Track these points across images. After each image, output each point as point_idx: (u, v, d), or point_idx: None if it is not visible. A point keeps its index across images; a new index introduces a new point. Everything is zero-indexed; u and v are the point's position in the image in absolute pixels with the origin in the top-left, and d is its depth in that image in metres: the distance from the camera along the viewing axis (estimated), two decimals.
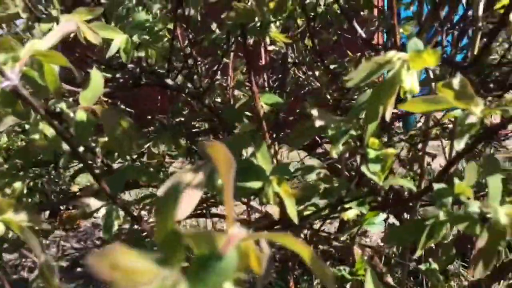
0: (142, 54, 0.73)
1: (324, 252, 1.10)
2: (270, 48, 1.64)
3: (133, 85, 0.88)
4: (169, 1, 0.93)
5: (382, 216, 0.61)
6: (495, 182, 0.42)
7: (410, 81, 0.42)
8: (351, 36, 1.75)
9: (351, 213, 0.53)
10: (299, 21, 1.27)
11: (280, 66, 1.57)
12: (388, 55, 0.41)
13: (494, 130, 0.41)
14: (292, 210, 0.42)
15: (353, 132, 0.48)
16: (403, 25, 0.98)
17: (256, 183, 0.44)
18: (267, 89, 1.24)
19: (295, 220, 0.41)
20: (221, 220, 1.45)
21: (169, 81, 0.86)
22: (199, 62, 1.17)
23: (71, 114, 0.54)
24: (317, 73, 1.56)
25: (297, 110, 1.41)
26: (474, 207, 0.44)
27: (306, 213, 0.59)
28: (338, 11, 1.23)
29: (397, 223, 1.14)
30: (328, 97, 1.37)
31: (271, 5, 0.63)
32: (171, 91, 0.91)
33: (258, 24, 0.64)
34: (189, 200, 0.37)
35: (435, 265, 0.72)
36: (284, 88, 1.44)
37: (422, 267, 0.72)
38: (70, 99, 0.63)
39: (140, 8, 0.99)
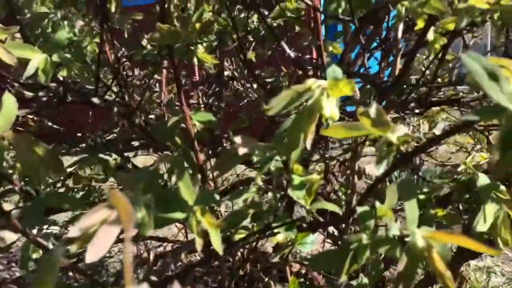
0: (64, 73, 0.69)
1: (263, 269, 1.10)
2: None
3: (57, 103, 0.84)
4: (95, 17, 0.90)
5: (313, 236, 0.62)
6: (411, 206, 0.43)
7: (330, 108, 0.42)
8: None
9: (280, 237, 0.53)
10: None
11: (216, 79, 1.57)
12: (307, 83, 0.42)
13: (410, 156, 0.42)
14: (216, 242, 0.41)
15: (278, 158, 0.48)
16: (332, 43, 1.01)
17: (179, 214, 0.42)
18: (202, 105, 1.22)
19: (220, 252, 0.40)
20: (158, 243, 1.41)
21: (95, 100, 0.82)
22: (130, 78, 1.14)
23: None
24: (254, 85, 1.57)
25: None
26: (395, 229, 0.45)
27: (237, 236, 0.59)
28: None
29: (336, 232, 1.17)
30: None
31: (197, 26, 0.62)
32: (99, 109, 0.87)
33: (185, 45, 0.63)
34: (105, 238, 0.35)
35: (365, 280, 0.74)
36: (220, 101, 1.44)
37: (354, 283, 0.73)
38: None
39: (65, 22, 0.95)
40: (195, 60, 0.65)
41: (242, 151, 0.43)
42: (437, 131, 2.73)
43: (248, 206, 0.50)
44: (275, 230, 0.52)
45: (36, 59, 0.63)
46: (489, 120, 0.32)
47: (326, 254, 0.46)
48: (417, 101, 0.74)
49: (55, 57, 0.65)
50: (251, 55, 1.67)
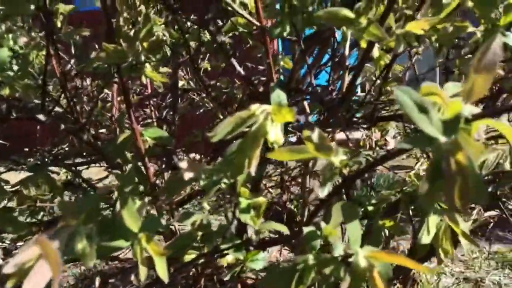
0: (6, 91, 0.67)
1: (219, 282, 1.10)
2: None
3: (0, 120, 0.81)
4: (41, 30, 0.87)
5: (263, 254, 0.62)
6: (354, 228, 0.44)
7: (274, 133, 0.43)
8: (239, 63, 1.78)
9: (229, 258, 0.53)
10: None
11: (170, 90, 1.55)
12: (251, 108, 0.42)
13: (352, 179, 0.44)
14: (161, 270, 0.40)
15: (225, 181, 0.48)
16: (284, 58, 1.02)
17: (122, 242, 0.42)
18: (154, 119, 1.21)
19: (166, 280, 0.40)
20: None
21: (41, 116, 0.80)
22: (81, 90, 1.11)
23: None
24: (209, 96, 1.57)
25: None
26: (339, 249, 0.46)
27: (187, 257, 0.58)
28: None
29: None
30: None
31: (146, 45, 0.61)
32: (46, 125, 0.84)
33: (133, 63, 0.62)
34: (41, 274, 0.34)
35: None
36: (174, 114, 1.42)
37: None
38: None
39: (10, 36, 0.92)
40: (143, 79, 0.64)
41: (187, 176, 0.43)
42: (389, 137, 2.81)
43: (197, 228, 0.50)
44: (225, 251, 0.53)
45: None
46: (422, 148, 0.33)
47: (274, 273, 0.47)
48: (364, 117, 0.76)
49: None
50: (206, 65, 1.67)
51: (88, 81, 1.24)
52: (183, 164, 0.44)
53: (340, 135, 1.04)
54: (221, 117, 1.49)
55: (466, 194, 0.29)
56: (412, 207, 0.86)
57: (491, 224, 1.53)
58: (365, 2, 0.48)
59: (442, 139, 0.32)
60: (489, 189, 1.11)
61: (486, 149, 0.68)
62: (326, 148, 0.43)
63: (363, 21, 0.49)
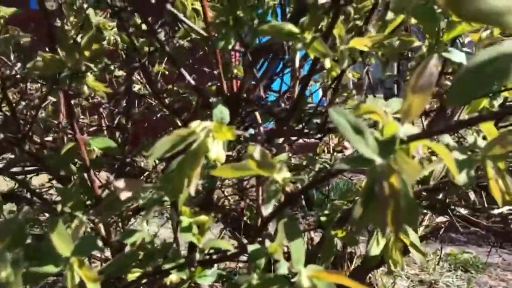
0: None
1: None
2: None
3: None
4: None
5: (210, 271, 0.61)
6: (297, 246, 0.44)
7: (216, 151, 0.42)
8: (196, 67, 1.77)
9: (173, 277, 0.51)
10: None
11: (124, 96, 1.51)
12: (192, 126, 0.41)
13: (295, 196, 0.43)
14: None
15: (166, 199, 0.46)
16: (238, 66, 1.01)
17: (51, 268, 0.39)
18: (104, 127, 1.17)
19: None
20: None
21: None
22: (26, 96, 1.06)
23: None
24: (167, 100, 1.54)
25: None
26: (283, 268, 0.46)
27: (130, 276, 0.56)
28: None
29: None
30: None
31: (87, 53, 0.59)
32: None
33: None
34: None
35: None
36: (128, 120, 1.39)
37: None
38: None
39: None
40: (85, 89, 0.61)
41: (124, 196, 0.41)
42: (347, 143, 2.85)
43: (138, 248, 0.48)
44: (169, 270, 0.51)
45: None
46: (359, 169, 0.33)
47: None
48: (315, 128, 0.76)
49: None
50: (163, 69, 1.64)
51: (35, 86, 1.19)
52: (120, 183, 0.42)
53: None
54: (179, 123, 1.46)
55: (398, 217, 0.29)
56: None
57: (442, 230, 1.58)
58: (309, 18, 0.48)
59: (378, 160, 0.32)
60: (439, 197, 1.14)
61: (431, 162, 0.69)
62: (268, 166, 0.42)
63: (308, 36, 0.48)
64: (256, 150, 0.41)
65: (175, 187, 0.41)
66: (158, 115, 1.87)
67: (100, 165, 0.82)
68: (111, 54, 1.28)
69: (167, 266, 0.49)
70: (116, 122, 1.36)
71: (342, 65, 0.50)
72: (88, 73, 0.60)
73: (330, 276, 0.42)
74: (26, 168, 1.10)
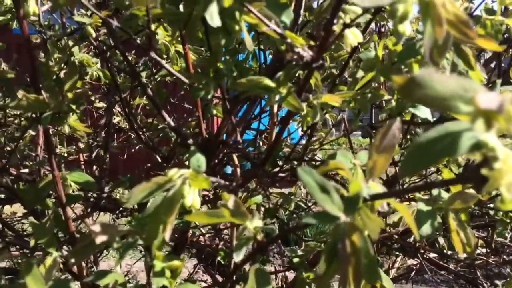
0: None
1: None
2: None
3: None
4: None
5: None
6: None
7: (192, 198, 0.44)
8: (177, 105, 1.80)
9: None
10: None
11: (103, 128, 1.52)
12: (169, 174, 0.43)
13: (265, 245, 0.45)
14: None
15: (140, 242, 0.47)
16: (216, 107, 1.04)
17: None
18: (82, 162, 1.18)
19: None
20: None
21: None
22: (4, 130, 1.06)
23: None
24: (147, 134, 1.55)
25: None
26: None
27: None
28: None
29: None
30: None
31: (70, 95, 0.61)
32: None
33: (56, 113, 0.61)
34: None
35: None
36: (106, 153, 1.39)
37: None
38: None
39: None
40: (66, 129, 0.63)
41: (99, 239, 0.42)
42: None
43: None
44: None
45: None
46: (325, 224, 0.35)
47: None
48: (290, 172, 0.79)
49: None
50: (144, 101, 1.66)
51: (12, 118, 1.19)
52: (96, 227, 0.43)
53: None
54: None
55: (359, 274, 0.31)
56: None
57: (413, 272, 1.60)
58: (284, 73, 0.51)
59: (343, 217, 0.34)
60: (409, 240, 1.17)
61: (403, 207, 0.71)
62: (241, 214, 0.44)
63: (283, 90, 0.51)
64: (230, 200, 0.43)
65: (150, 232, 0.42)
66: (137, 147, 1.88)
67: (76, 200, 0.82)
68: (92, 85, 1.30)
69: None
70: (94, 154, 1.37)
71: (314, 119, 0.53)
72: (70, 114, 0.61)
73: None
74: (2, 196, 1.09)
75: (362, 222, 0.36)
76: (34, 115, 0.86)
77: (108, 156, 1.35)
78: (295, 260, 0.90)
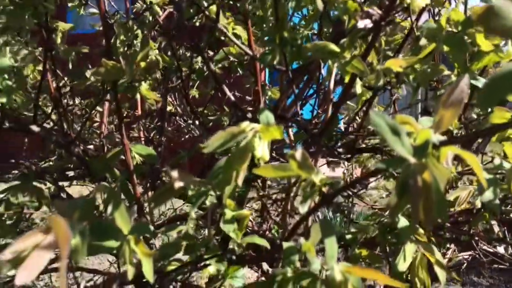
0: (3, 100, 0.69)
1: None
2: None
3: None
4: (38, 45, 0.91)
5: (243, 270, 0.64)
6: (330, 243, 0.47)
7: (261, 150, 0.47)
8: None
9: (212, 269, 0.55)
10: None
11: (158, 114, 1.59)
12: (242, 125, 0.46)
13: (331, 197, 0.47)
14: (147, 270, 0.43)
15: (212, 193, 0.51)
16: (272, 89, 1.07)
17: (113, 243, 0.44)
18: (142, 138, 1.24)
19: (151, 280, 0.42)
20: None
21: (34, 127, 0.82)
22: (71, 107, 1.13)
23: None
24: (197, 122, 1.61)
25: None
26: (316, 264, 0.49)
27: (169, 267, 0.60)
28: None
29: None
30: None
31: (142, 64, 0.65)
32: (37, 137, 0.86)
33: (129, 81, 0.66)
34: (37, 262, 0.36)
35: None
36: (162, 136, 1.45)
37: None
38: None
39: (7, 49, 0.95)
40: (138, 96, 0.67)
41: (177, 184, 0.46)
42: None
43: (182, 238, 0.52)
44: (207, 262, 0.55)
45: None
46: (395, 168, 0.37)
47: (253, 286, 0.49)
48: (345, 147, 0.80)
49: None
50: (194, 92, 1.71)
51: (77, 100, 1.27)
52: (174, 173, 0.46)
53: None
54: (201, 145, 1.51)
55: (429, 209, 0.33)
56: (389, 237, 0.89)
57: (465, 264, 1.56)
58: (349, 39, 0.53)
59: (412, 160, 0.36)
60: (464, 228, 1.15)
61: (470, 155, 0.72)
62: (307, 167, 0.46)
63: (347, 55, 0.53)
64: (297, 152, 0.46)
65: (224, 179, 0.46)
66: (186, 136, 1.94)
67: (141, 171, 0.87)
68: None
69: (207, 256, 0.53)
70: (151, 137, 1.43)
71: (377, 83, 0.55)
72: (142, 82, 0.66)
73: (361, 271, 0.45)
74: (67, 175, 1.16)
75: (430, 170, 0.38)
76: (104, 88, 0.93)
77: (164, 138, 1.41)
78: (348, 237, 0.92)
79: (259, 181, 1.15)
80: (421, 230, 0.74)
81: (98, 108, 1.06)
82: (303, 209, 0.48)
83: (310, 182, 0.48)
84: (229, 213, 0.49)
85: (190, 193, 0.48)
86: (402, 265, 0.73)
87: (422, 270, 0.75)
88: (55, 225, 0.25)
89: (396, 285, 0.43)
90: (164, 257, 0.53)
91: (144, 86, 0.67)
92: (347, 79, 0.63)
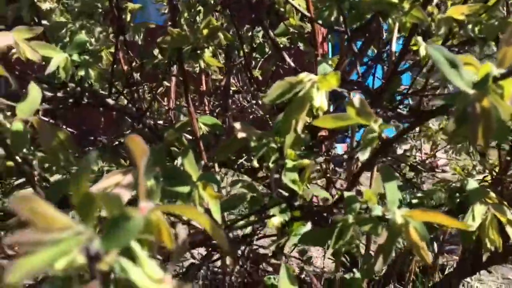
0: (82, 73, 0.75)
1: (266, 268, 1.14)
2: (214, 76, 1.71)
3: (74, 104, 0.90)
4: (111, 25, 0.97)
5: (308, 226, 0.66)
6: (392, 188, 0.48)
7: (320, 100, 0.48)
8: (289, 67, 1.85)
9: (275, 220, 0.57)
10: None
11: (222, 93, 1.64)
12: (299, 76, 0.48)
13: (389, 143, 0.48)
14: (216, 212, 0.46)
15: (273, 145, 0.53)
16: (332, 58, 1.07)
17: (184, 188, 0.48)
18: (207, 112, 1.29)
19: (219, 221, 0.45)
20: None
21: (109, 101, 0.89)
22: (141, 85, 1.20)
23: (8, 125, 0.56)
24: (260, 102, 1.64)
25: None
26: (378, 210, 0.50)
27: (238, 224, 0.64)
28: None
29: None
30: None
31: (205, 32, 0.68)
32: (112, 111, 0.93)
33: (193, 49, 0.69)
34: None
35: (358, 275, 0.78)
36: (226, 113, 1.50)
37: (347, 276, 0.77)
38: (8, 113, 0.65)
39: (83, 31, 1.03)
40: (201, 64, 0.71)
41: (240, 135, 0.48)
42: (440, 153, 2.74)
43: (246, 187, 0.55)
44: (271, 213, 0.57)
45: (58, 58, 0.70)
46: (452, 105, 0.37)
47: (315, 231, 0.51)
48: (409, 110, 0.79)
49: (75, 57, 0.71)
50: (256, 73, 1.74)
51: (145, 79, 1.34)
52: (237, 125, 0.49)
53: None
54: (271, 123, 1.54)
55: (488, 133, 0.33)
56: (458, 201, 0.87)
57: None
58: None
59: (471, 91, 0.36)
60: None
61: None
62: (367, 114, 0.47)
63: (406, 5, 0.53)
64: (355, 98, 0.46)
65: (284, 128, 0.48)
66: (250, 117, 1.98)
67: (206, 139, 0.91)
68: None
69: (271, 205, 0.56)
70: (216, 112, 1.48)
71: (438, 32, 0.54)
72: (205, 50, 0.69)
73: (422, 214, 0.45)
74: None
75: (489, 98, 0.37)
76: (170, 63, 0.98)
77: (229, 113, 1.45)
78: (414, 201, 0.91)
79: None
80: (492, 193, 0.72)
81: (165, 83, 1.12)
82: (363, 157, 0.49)
83: (369, 129, 0.49)
84: (290, 163, 0.51)
85: (252, 144, 0.51)
86: (471, 222, 0.71)
87: (493, 231, 0.73)
88: (131, 142, 0.28)
89: (462, 226, 0.43)
90: (230, 208, 0.56)
91: (208, 54, 0.70)
92: (406, 32, 0.62)
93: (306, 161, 0.52)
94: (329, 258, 1.26)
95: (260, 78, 1.87)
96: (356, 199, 0.52)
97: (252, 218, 0.64)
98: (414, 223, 0.46)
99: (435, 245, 1.49)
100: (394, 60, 0.82)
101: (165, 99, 1.27)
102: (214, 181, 0.50)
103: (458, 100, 0.34)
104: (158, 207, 0.25)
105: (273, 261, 1.00)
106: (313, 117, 0.51)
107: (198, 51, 0.70)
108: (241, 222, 0.62)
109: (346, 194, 0.53)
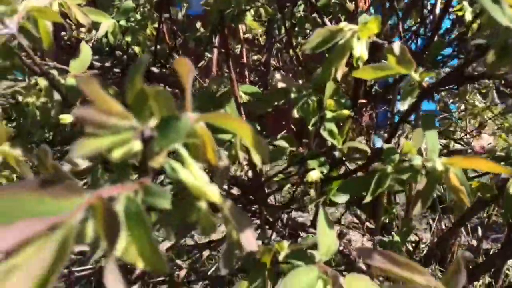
0: (128, 39, 0.79)
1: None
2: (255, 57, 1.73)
3: (121, 71, 0.94)
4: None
5: None
6: (432, 137, 0.48)
7: (360, 49, 0.48)
8: None
9: (314, 174, 0.58)
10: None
11: (262, 69, 1.65)
12: (340, 24, 0.48)
13: (430, 91, 0.47)
14: (256, 156, 0.47)
15: (313, 97, 0.54)
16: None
17: (226, 135, 0.50)
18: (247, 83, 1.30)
19: (259, 164, 0.47)
20: None
21: (154, 69, 0.92)
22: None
23: (62, 81, 0.59)
24: (300, 81, 1.64)
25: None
26: (418, 160, 0.50)
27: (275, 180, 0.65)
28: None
29: None
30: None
31: None
32: (155, 79, 0.96)
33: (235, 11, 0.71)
34: None
35: (397, 238, 0.78)
36: (266, 88, 1.51)
37: (386, 239, 0.78)
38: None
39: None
40: (243, 27, 0.72)
41: (281, 85, 0.50)
42: (486, 134, 2.65)
43: (285, 139, 0.56)
44: (309, 167, 0.58)
45: (107, 23, 0.73)
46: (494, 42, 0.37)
47: (353, 180, 0.51)
48: (452, 75, 0.78)
49: (122, 22, 0.75)
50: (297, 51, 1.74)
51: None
52: (278, 75, 0.50)
53: None
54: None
55: None
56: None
57: None
58: None
59: None
60: None
61: None
62: (407, 62, 0.47)
63: None
64: (395, 44, 0.46)
65: (323, 76, 0.48)
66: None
67: (247, 106, 0.93)
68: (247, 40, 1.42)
69: (310, 162, 0.57)
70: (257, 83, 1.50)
71: None
72: (247, 13, 0.71)
73: (463, 161, 0.45)
74: None
75: None
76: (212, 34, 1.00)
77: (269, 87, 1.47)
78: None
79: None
80: None
81: (207, 54, 1.15)
82: (403, 106, 0.49)
83: (410, 79, 0.49)
84: (329, 114, 0.52)
85: (292, 95, 0.52)
86: None
87: None
88: (178, 63, 0.30)
89: (499, 170, 0.43)
90: (271, 160, 0.58)
91: (249, 17, 0.72)
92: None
93: (346, 112, 0.52)
94: (368, 240, 1.26)
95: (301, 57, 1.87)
96: (395, 150, 0.52)
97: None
98: (454, 169, 0.46)
99: (479, 229, 1.45)
100: (438, 26, 0.81)
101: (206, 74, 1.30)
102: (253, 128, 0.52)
103: (500, 33, 0.34)
104: (202, 116, 0.27)
105: (311, 230, 1.01)
106: (354, 89, 0.51)
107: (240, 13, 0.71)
108: (280, 176, 0.63)
109: (385, 145, 0.53)
